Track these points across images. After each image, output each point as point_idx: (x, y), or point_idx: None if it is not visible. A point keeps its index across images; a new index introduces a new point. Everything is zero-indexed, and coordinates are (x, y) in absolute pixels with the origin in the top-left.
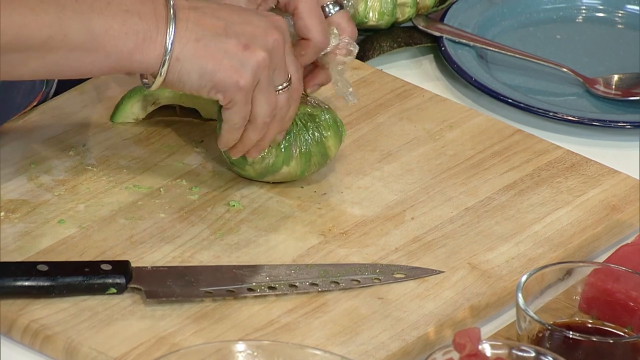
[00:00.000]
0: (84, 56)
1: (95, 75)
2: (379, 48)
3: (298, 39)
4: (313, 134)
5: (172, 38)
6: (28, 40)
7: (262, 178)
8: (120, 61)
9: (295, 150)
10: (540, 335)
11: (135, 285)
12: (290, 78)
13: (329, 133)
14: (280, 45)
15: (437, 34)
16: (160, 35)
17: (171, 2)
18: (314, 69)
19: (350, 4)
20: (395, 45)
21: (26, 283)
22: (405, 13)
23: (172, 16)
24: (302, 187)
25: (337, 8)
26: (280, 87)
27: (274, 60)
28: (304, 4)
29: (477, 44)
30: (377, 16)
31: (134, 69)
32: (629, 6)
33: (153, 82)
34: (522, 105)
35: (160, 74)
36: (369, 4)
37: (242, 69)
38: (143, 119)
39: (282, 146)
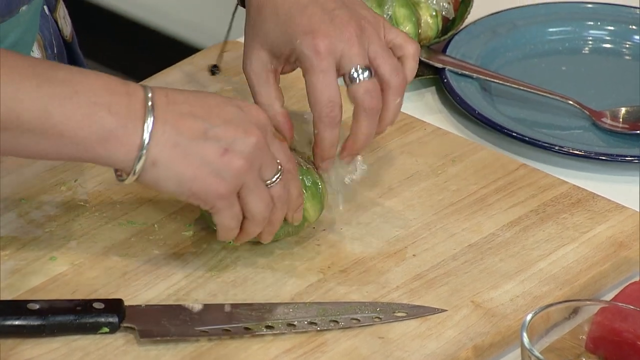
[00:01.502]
0: (39, 140)
1: (55, 159)
2: None
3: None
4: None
5: (148, 140)
6: None
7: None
8: (81, 152)
9: None
10: None
11: (129, 325)
12: (280, 168)
13: (305, 194)
14: (261, 142)
15: (439, 65)
16: (132, 135)
17: (149, 102)
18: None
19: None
20: None
21: (16, 322)
22: None
23: (150, 115)
24: None
25: (366, 73)
26: (270, 182)
27: (258, 160)
28: (312, 77)
29: (481, 76)
30: None
31: (98, 162)
32: (636, 37)
33: (127, 178)
34: (526, 139)
35: (134, 172)
36: None
37: (221, 177)
38: None
39: None
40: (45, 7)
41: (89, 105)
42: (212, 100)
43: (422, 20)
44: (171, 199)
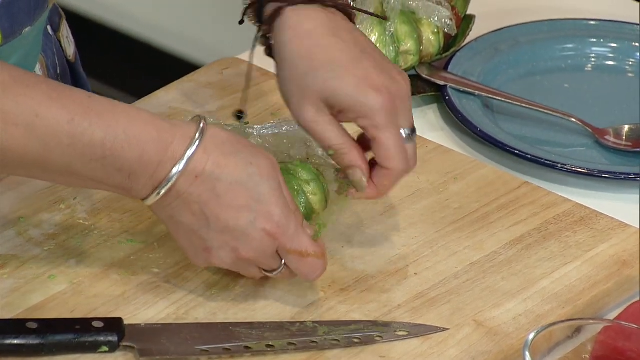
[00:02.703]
0: (64, 179)
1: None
2: None
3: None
4: (291, 185)
5: (153, 205)
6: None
7: None
8: (101, 188)
9: None
10: None
11: (128, 344)
12: (280, 266)
13: (309, 187)
14: (257, 260)
15: (441, 82)
16: (143, 196)
17: (172, 181)
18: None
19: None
20: None
21: (15, 341)
22: (408, 61)
23: (165, 186)
24: None
25: (414, 135)
26: (274, 272)
27: (240, 267)
28: (386, 133)
29: (483, 93)
30: None
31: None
32: (639, 54)
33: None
34: (529, 156)
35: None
36: None
37: (205, 259)
38: None
39: None
40: (49, 27)
41: (114, 170)
42: (235, 197)
43: (424, 37)
44: None
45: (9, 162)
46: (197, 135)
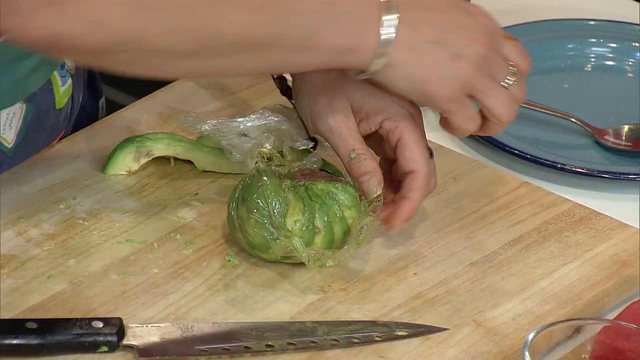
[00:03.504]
0: (297, 56)
1: (305, 70)
2: None
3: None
4: (332, 211)
5: (389, 46)
6: (249, 39)
7: (286, 260)
8: (331, 60)
9: (317, 230)
10: None
11: (128, 343)
12: (514, 69)
13: (349, 212)
14: (489, 50)
15: None
16: (373, 39)
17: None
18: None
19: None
20: None
21: (14, 341)
22: None
23: (395, 17)
24: None
25: (427, 154)
26: (506, 83)
27: (486, 66)
28: (410, 133)
29: None
30: None
31: (344, 66)
32: (639, 54)
33: (360, 74)
34: (528, 156)
35: (369, 72)
36: None
37: (450, 80)
38: (136, 170)
39: (303, 227)
40: None
41: (338, 15)
42: (446, 4)
43: None
44: (170, 217)
45: (249, 42)
46: None
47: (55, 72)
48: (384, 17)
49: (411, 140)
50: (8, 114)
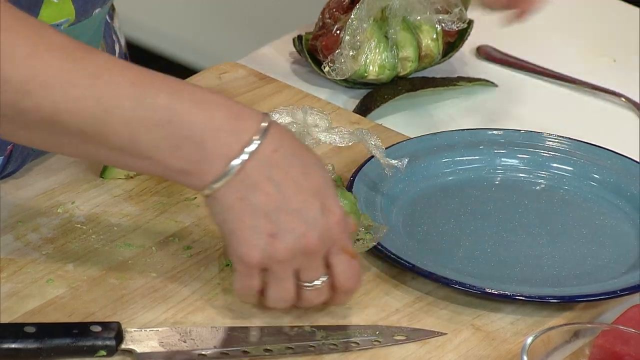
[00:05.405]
0: (122, 157)
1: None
2: (381, 99)
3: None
4: None
5: (221, 185)
6: (66, 124)
7: None
8: (159, 173)
9: None
10: None
11: (126, 348)
12: (323, 280)
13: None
14: (312, 252)
15: None
16: (211, 173)
17: (254, 146)
18: None
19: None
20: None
21: (13, 345)
22: (406, 67)
23: (236, 169)
24: None
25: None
26: (307, 285)
27: (298, 262)
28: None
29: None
30: (377, 70)
31: (173, 180)
32: (554, 165)
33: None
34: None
35: (201, 193)
36: (369, 57)
37: (255, 249)
38: (134, 175)
39: None
40: (107, 16)
41: (181, 139)
42: (310, 184)
43: (423, 44)
44: (168, 221)
45: (66, 129)
46: (269, 115)
47: None
48: (233, 163)
49: None
50: None
